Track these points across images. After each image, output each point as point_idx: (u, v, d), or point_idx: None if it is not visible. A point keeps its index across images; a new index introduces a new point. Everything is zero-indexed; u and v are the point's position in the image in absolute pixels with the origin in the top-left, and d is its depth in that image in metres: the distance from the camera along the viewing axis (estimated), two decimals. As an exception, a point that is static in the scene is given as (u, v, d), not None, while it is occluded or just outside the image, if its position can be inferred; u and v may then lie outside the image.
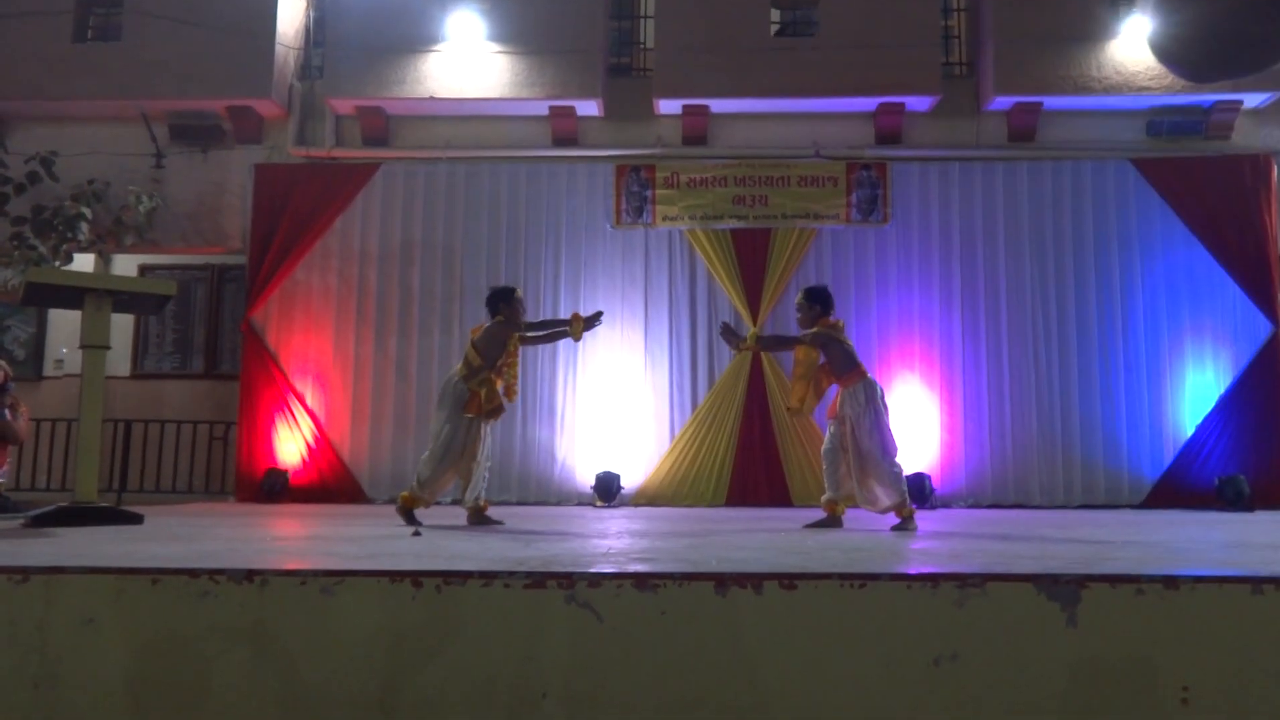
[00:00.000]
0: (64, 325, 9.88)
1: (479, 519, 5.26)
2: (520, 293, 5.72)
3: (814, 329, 5.50)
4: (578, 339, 5.73)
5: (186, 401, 9.94)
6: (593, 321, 5.64)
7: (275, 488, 8.91)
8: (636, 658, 2.24)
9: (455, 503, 5.43)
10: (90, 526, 4.32)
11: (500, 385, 5.52)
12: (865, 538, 4.32)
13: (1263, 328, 8.99)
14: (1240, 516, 7.15)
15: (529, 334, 5.69)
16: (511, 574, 2.30)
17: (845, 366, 5.46)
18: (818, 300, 5.62)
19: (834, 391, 5.60)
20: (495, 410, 5.46)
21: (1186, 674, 2.20)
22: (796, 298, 5.85)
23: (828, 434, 5.59)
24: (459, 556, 2.99)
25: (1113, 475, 8.93)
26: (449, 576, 2.30)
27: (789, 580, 2.29)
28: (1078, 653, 2.23)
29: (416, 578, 2.30)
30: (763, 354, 9.01)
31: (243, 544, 3.37)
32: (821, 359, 5.49)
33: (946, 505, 8.72)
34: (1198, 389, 9.02)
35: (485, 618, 2.28)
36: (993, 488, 8.95)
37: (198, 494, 9.45)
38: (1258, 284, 9.01)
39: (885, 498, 5.29)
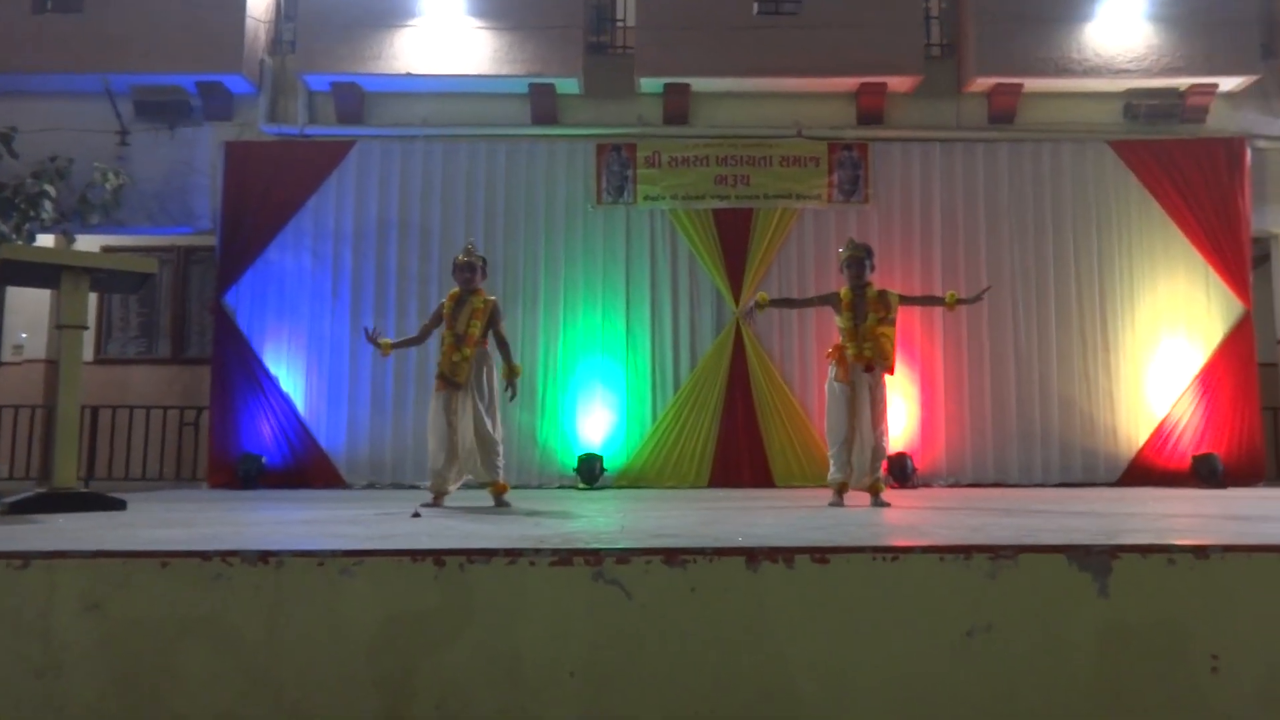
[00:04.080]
0: (24, 309, 9.59)
1: (499, 502, 5.19)
2: (460, 258, 5.51)
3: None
4: (386, 353, 5.72)
5: (153, 387, 9.71)
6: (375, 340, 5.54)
7: (250, 473, 8.73)
8: (666, 634, 2.20)
9: (481, 486, 5.31)
10: (72, 512, 4.18)
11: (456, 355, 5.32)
12: (886, 513, 4.31)
13: (1235, 308, 9.10)
14: (1215, 493, 7.26)
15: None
16: (537, 551, 2.24)
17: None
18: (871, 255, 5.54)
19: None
20: (446, 379, 5.28)
21: (1216, 643, 2.21)
22: (870, 258, 5.54)
23: (839, 400, 5.30)
24: (474, 535, 2.92)
25: (1089, 454, 9.03)
26: (473, 555, 2.23)
27: (820, 554, 2.26)
28: (1109, 622, 2.22)
29: (439, 556, 2.23)
30: (746, 331, 8.97)
31: (247, 527, 3.27)
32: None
33: (927, 484, 8.78)
34: (1171, 369, 9.13)
35: (510, 596, 2.22)
36: (972, 467, 9.01)
37: (168, 480, 9.24)
38: (1231, 265, 9.13)
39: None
